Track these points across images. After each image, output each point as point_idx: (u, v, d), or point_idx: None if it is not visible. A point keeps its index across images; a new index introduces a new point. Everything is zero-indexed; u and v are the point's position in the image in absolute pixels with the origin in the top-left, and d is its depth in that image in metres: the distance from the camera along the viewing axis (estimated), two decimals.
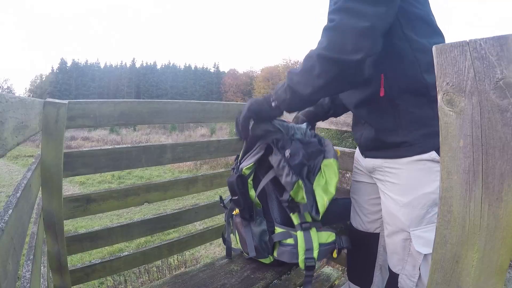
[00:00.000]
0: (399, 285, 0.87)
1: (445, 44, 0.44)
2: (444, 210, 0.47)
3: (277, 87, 0.85)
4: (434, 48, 0.46)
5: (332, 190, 0.94)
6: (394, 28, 0.75)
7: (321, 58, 0.71)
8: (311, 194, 0.92)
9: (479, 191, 0.43)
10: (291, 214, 1.02)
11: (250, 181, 1.08)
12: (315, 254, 0.97)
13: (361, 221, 1.06)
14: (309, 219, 1.01)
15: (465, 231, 0.45)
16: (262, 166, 1.05)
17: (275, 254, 1.05)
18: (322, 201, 0.92)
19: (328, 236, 1.02)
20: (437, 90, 0.46)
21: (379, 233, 1.03)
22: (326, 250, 1.01)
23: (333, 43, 0.70)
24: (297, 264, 0.98)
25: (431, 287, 0.50)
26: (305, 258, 0.96)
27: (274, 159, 0.94)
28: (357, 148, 1.07)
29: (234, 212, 1.15)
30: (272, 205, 1.08)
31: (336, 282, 1.32)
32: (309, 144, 0.99)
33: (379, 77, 0.80)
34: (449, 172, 0.46)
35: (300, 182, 0.90)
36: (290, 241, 1.00)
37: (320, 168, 0.97)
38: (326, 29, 0.71)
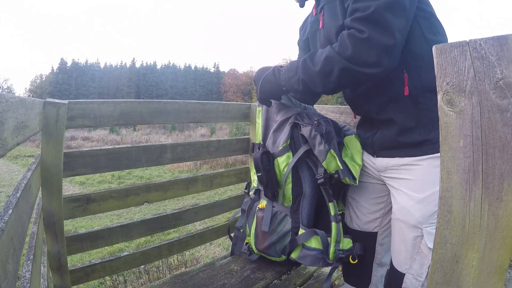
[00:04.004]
0: (403, 285, 0.86)
1: (445, 44, 0.44)
2: (444, 210, 0.47)
3: (289, 74, 0.87)
4: (434, 48, 0.46)
5: (359, 161, 0.98)
6: (415, 31, 0.78)
7: (343, 70, 0.75)
8: (344, 162, 0.96)
9: (479, 191, 0.43)
10: (329, 204, 1.03)
11: (284, 169, 1.06)
12: (341, 246, 1.01)
13: (359, 221, 1.06)
14: (339, 210, 1.05)
15: (465, 231, 0.45)
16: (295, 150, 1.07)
17: (293, 255, 1.06)
18: (355, 169, 0.96)
19: (347, 243, 1.03)
20: (437, 90, 0.46)
21: (377, 232, 1.03)
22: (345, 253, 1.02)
23: (358, 55, 0.72)
24: (297, 264, 0.98)
25: (431, 287, 0.50)
26: (336, 250, 0.99)
27: (305, 130, 0.98)
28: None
29: (260, 206, 1.15)
30: (303, 205, 1.07)
31: (336, 282, 1.32)
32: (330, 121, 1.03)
33: (402, 76, 0.81)
34: (449, 172, 0.46)
35: (332, 151, 0.93)
36: (315, 245, 1.02)
37: (343, 144, 1.01)
38: (353, 39, 0.72)
